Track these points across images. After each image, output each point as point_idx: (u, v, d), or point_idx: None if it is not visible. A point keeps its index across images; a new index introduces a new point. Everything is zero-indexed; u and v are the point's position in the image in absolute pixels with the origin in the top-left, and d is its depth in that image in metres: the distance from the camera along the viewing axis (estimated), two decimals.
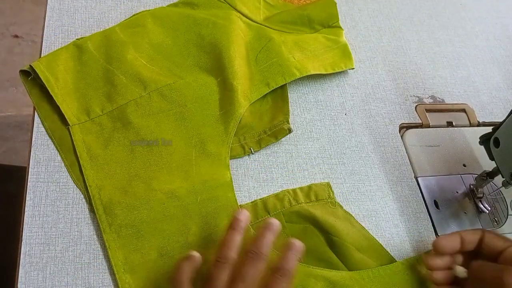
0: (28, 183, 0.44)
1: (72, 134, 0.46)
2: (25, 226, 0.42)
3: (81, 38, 0.52)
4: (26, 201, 0.43)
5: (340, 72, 0.60)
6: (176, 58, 0.53)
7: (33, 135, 0.46)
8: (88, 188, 0.44)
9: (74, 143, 0.46)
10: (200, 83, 0.51)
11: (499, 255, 0.43)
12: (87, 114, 0.48)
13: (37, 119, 0.48)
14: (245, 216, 0.40)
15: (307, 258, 0.46)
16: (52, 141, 0.46)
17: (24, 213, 0.42)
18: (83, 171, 0.45)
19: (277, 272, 0.38)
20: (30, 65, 0.48)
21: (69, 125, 0.47)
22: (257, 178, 0.50)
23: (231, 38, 0.53)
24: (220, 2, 0.58)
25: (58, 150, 0.46)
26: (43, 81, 0.47)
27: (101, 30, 0.54)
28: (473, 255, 0.45)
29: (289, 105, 0.55)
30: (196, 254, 0.39)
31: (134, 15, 0.56)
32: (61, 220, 0.43)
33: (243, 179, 0.50)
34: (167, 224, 0.44)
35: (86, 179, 0.44)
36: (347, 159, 0.54)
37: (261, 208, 0.48)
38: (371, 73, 0.63)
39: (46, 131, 0.47)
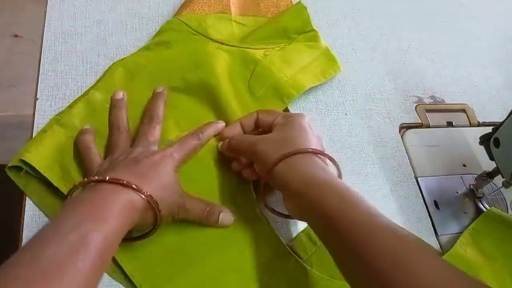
0: None
1: None
2: (25, 227, 0.42)
3: (62, 113, 0.47)
4: (26, 201, 0.43)
5: (340, 72, 0.59)
6: (165, 111, 0.49)
7: (33, 135, 0.46)
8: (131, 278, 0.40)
9: None
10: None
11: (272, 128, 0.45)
12: None
13: (37, 119, 0.47)
14: (120, 95, 0.48)
15: None
16: None
17: (24, 213, 0.42)
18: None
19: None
20: (21, 159, 0.42)
21: None
22: None
23: (219, 76, 0.51)
24: (194, 35, 0.55)
25: None
26: (45, 175, 0.42)
27: (80, 94, 0.49)
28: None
29: (289, 105, 0.55)
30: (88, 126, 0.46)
31: (107, 70, 0.51)
32: None
33: None
34: None
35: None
36: (347, 159, 0.54)
37: (306, 241, 0.46)
38: (371, 73, 0.63)
39: None
